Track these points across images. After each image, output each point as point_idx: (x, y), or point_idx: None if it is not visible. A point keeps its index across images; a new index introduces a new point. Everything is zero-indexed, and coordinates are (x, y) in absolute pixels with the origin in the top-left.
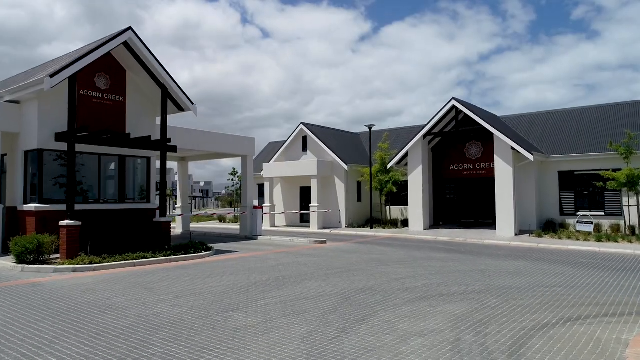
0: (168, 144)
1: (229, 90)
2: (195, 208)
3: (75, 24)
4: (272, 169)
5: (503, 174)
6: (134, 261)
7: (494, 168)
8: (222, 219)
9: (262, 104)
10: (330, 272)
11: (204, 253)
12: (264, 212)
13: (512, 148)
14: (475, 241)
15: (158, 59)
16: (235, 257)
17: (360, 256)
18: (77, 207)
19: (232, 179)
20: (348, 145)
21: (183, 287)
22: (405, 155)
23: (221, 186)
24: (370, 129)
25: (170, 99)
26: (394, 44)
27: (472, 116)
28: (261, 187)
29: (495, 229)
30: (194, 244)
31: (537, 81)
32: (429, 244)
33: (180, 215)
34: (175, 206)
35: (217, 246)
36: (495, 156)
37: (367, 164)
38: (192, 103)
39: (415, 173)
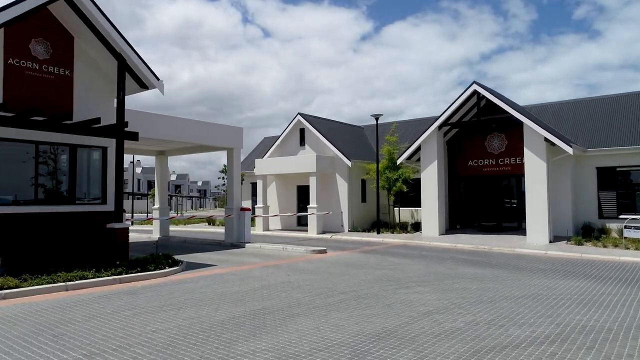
0: (126, 129)
1: (230, 90)
2: (192, 209)
3: None
4: (265, 166)
5: (535, 170)
6: (67, 283)
7: (520, 163)
8: (210, 222)
9: (263, 103)
10: (331, 300)
11: (167, 269)
12: (255, 214)
13: (546, 140)
14: (504, 250)
15: (113, 23)
16: (210, 273)
17: (369, 272)
18: None
19: (224, 178)
20: (351, 139)
21: (111, 331)
22: (418, 149)
23: (220, 187)
24: (376, 119)
25: (129, 72)
26: (395, 43)
27: (497, 103)
28: (255, 186)
29: (522, 233)
30: (156, 258)
31: (539, 81)
32: (449, 253)
33: (148, 220)
34: (153, 207)
35: (193, 257)
36: (526, 149)
37: (372, 159)
38: (158, 79)
39: (429, 170)
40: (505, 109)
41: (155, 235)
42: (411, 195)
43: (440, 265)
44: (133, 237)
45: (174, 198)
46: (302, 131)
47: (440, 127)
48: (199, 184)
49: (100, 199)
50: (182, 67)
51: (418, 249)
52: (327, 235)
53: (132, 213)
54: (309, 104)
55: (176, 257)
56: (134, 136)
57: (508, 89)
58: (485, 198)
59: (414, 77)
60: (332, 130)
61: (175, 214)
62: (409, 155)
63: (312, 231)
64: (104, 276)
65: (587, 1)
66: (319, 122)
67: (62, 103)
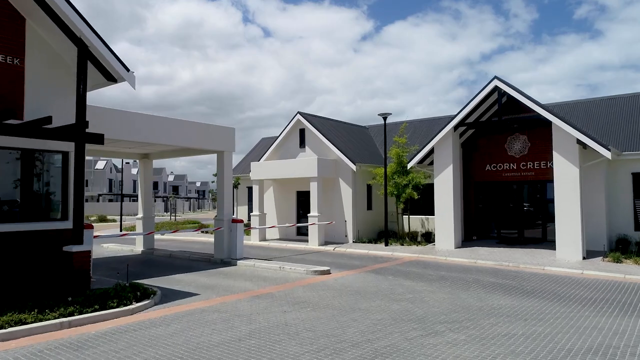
0: (88, 130)
1: (230, 89)
2: (190, 210)
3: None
4: (261, 169)
5: (566, 176)
6: None
7: (545, 168)
8: (204, 229)
9: (263, 103)
10: (338, 358)
11: (134, 305)
12: (251, 221)
13: (579, 142)
14: (533, 268)
15: (73, 3)
16: (188, 309)
17: (383, 306)
18: None
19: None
20: (355, 140)
21: None
22: (430, 152)
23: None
24: (384, 118)
25: (92, 61)
26: (395, 43)
27: (521, 100)
28: (251, 191)
29: (548, 246)
30: (122, 290)
31: (540, 81)
32: (472, 273)
33: (122, 235)
34: (136, 217)
35: (173, 281)
36: (555, 153)
37: (378, 163)
38: (127, 69)
39: (443, 175)
40: (531, 106)
41: (139, 248)
42: (421, 202)
43: (466, 293)
44: (113, 250)
45: (170, 200)
46: (302, 132)
47: (456, 127)
48: (198, 184)
49: (60, 215)
50: (183, 67)
51: (434, 266)
52: (330, 247)
53: (121, 218)
54: (309, 104)
55: (153, 281)
56: (97, 139)
57: None
58: (504, 206)
59: (415, 77)
60: (335, 130)
61: (169, 217)
62: (420, 158)
63: (313, 242)
64: (48, 318)
65: (588, 1)
66: (320, 122)
67: (10, 98)
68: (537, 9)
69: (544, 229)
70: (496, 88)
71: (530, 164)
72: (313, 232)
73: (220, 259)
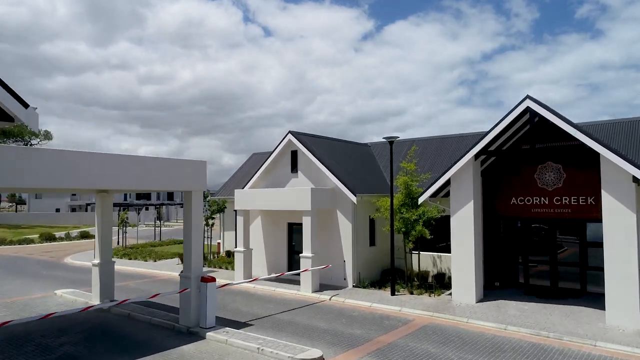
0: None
1: (231, 89)
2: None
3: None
4: (246, 198)
5: (618, 222)
6: None
7: (585, 205)
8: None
9: (264, 102)
10: None
11: None
12: (234, 259)
13: (635, 179)
14: (581, 344)
15: None
16: None
17: None
18: None
19: (208, 205)
20: (356, 163)
21: None
22: (446, 183)
23: (219, 187)
24: (391, 143)
25: None
26: (396, 42)
27: (561, 126)
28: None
29: (590, 302)
30: None
31: (541, 81)
32: (505, 352)
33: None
34: (93, 262)
35: None
36: (604, 192)
37: (382, 190)
38: (26, 106)
39: (461, 213)
40: (573, 133)
41: (95, 301)
42: (433, 236)
43: None
44: (65, 301)
45: (164, 207)
46: (294, 154)
47: (477, 156)
48: None
49: None
50: (183, 66)
51: (456, 339)
52: (325, 296)
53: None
54: (310, 104)
55: None
56: None
57: (510, 88)
58: (534, 247)
59: (415, 77)
60: (332, 151)
61: (154, 236)
62: (434, 192)
63: (305, 288)
64: None
65: (590, 0)
66: (315, 143)
67: None
68: (539, 9)
69: (583, 278)
70: (528, 110)
71: (565, 199)
72: (306, 276)
73: (186, 327)
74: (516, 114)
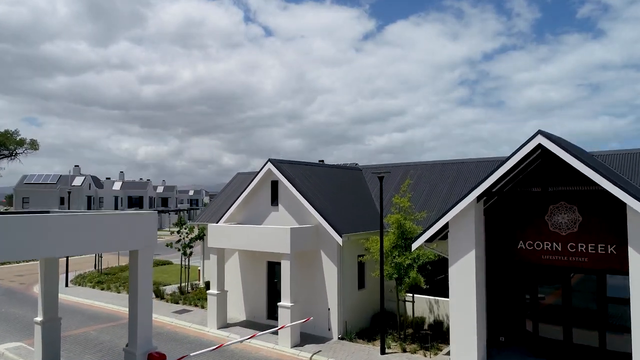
0: None
1: (231, 88)
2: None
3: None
4: (221, 235)
5: None
6: None
7: (605, 254)
8: (159, 293)
9: (264, 102)
10: None
11: None
12: (207, 302)
13: None
14: None
15: None
16: None
17: None
18: None
19: (180, 231)
20: (344, 192)
21: None
22: (444, 227)
23: (219, 187)
24: (380, 179)
25: None
26: (397, 42)
27: (580, 169)
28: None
29: None
30: None
31: (542, 81)
32: None
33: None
34: (35, 319)
35: None
36: (631, 250)
37: (373, 227)
38: None
39: (462, 262)
40: (593, 177)
41: None
42: (430, 277)
43: None
44: None
45: (159, 214)
46: (274, 185)
47: (479, 198)
48: (191, 193)
49: None
50: (183, 66)
51: None
52: (306, 353)
53: (67, 270)
54: (310, 103)
55: None
56: None
57: (511, 88)
58: (544, 299)
59: (416, 77)
60: (318, 180)
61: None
62: (430, 236)
63: (284, 342)
64: None
65: (592, 0)
66: (298, 172)
67: None
68: (540, 9)
69: (602, 336)
70: (539, 147)
71: (582, 246)
72: (284, 331)
73: None
74: (525, 152)
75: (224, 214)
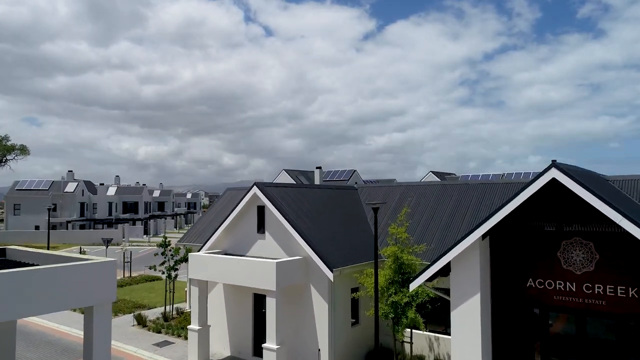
0: None
1: (231, 88)
2: (176, 228)
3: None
4: (203, 266)
5: None
6: None
7: (625, 297)
8: (140, 320)
9: (265, 102)
10: None
11: None
12: (188, 340)
13: None
14: None
15: None
16: None
17: None
18: None
19: (164, 252)
20: (336, 218)
21: None
22: (446, 267)
23: (219, 187)
24: (375, 211)
25: None
26: (397, 42)
27: (601, 209)
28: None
29: None
30: None
31: (542, 81)
32: None
33: None
34: None
35: None
36: None
37: (368, 257)
38: None
39: (466, 307)
40: (623, 223)
41: None
42: (430, 311)
43: None
44: None
45: (151, 221)
46: (260, 211)
47: (485, 235)
48: (188, 196)
49: None
50: (184, 66)
51: None
52: None
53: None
54: (310, 103)
55: None
56: None
57: (511, 88)
58: (557, 343)
59: (416, 77)
60: (308, 206)
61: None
62: (430, 276)
63: None
64: None
65: (592, 0)
66: (286, 196)
67: None
68: (540, 8)
69: None
70: (553, 181)
71: (599, 288)
72: None
73: None
74: (538, 187)
75: (209, 239)
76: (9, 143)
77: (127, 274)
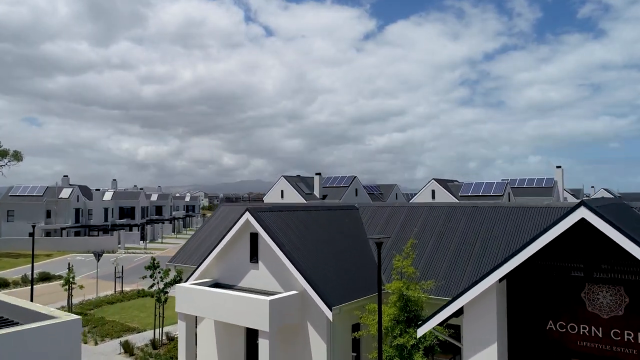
0: None
1: (231, 88)
2: (174, 233)
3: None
4: (189, 299)
5: None
6: None
7: None
8: (127, 348)
9: (265, 102)
10: None
11: None
12: None
13: None
14: None
15: None
16: None
17: None
18: None
19: (152, 274)
20: (336, 244)
21: None
22: (459, 311)
23: (219, 187)
24: (379, 245)
25: None
26: (398, 42)
27: (631, 250)
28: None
29: None
30: None
31: (542, 81)
32: None
33: None
34: None
35: None
36: None
37: (371, 290)
38: None
39: (483, 355)
40: None
41: None
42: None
43: None
44: None
45: (148, 226)
46: (253, 238)
47: (501, 279)
48: (187, 198)
49: None
50: (184, 66)
51: None
52: None
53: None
54: (311, 103)
55: None
56: None
57: (511, 88)
58: None
59: (416, 77)
60: (305, 231)
61: (113, 285)
62: (440, 321)
63: None
64: None
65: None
66: (281, 221)
67: None
68: (541, 8)
69: None
70: (582, 221)
71: (629, 335)
72: None
73: None
74: (564, 228)
75: (198, 267)
76: (1, 148)
77: (118, 288)
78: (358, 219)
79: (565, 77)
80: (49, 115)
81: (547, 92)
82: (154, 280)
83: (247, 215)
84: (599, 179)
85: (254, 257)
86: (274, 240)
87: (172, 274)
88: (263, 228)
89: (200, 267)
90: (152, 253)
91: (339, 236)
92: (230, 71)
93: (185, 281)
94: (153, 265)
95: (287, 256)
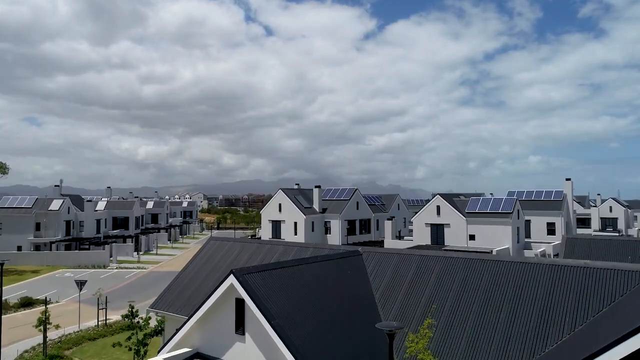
0: None
1: (232, 88)
2: (169, 241)
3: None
4: None
5: None
6: None
7: None
8: None
9: (265, 102)
10: None
11: None
12: None
13: None
14: None
15: None
16: None
17: None
18: None
19: (131, 324)
20: (336, 305)
21: None
22: None
23: (219, 187)
24: (390, 339)
25: None
26: (398, 42)
27: None
28: None
29: None
30: None
31: (543, 80)
32: None
33: None
34: None
35: None
36: None
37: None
38: None
39: None
40: None
41: None
42: None
43: None
44: None
45: (143, 237)
46: (239, 305)
47: None
48: (185, 204)
49: None
50: (184, 66)
51: None
52: None
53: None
54: (311, 103)
55: None
56: None
57: (511, 88)
58: None
59: (417, 77)
60: (299, 292)
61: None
62: None
63: None
64: None
65: None
66: (272, 284)
67: None
68: (541, 8)
69: None
70: None
71: None
72: None
73: None
74: None
75: (176, 334)
76: None
77: (102, 318)
78: (362, 267)
79: (565, 77)
80: (49, 115)
81: (547, 92)
82: (132, 332)
83: (232, 279)
84: (599, 179)
85: (239, 327)
86: (261, 311)
87: (153, 323)
88: (249, 295)
89: (179, 333)
90: (145, 268)
91: (339, 295)
92: (231, 71)
93: (162, 347)
94: (131, 314)
95: (276, 331)
